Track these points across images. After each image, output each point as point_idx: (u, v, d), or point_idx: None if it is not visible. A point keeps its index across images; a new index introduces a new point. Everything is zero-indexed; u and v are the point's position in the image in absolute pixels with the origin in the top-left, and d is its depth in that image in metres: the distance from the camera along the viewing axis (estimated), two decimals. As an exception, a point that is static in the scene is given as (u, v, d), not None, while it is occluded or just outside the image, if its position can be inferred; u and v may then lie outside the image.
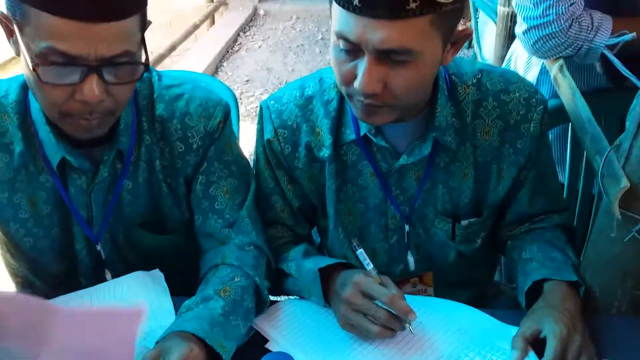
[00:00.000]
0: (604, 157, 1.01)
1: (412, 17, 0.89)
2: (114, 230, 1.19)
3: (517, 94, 1.13)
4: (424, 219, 1.22)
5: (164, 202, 1.18)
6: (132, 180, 1.14)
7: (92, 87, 0.92)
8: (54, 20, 0.86)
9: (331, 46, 1.01)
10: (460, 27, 1.01)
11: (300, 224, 1.28)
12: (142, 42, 0.98)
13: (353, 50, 0.96)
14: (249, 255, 1.14)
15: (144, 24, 0.98)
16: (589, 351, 0.98)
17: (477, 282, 1.35)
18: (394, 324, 0.99)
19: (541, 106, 1.13)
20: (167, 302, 1.12)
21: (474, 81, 1.13)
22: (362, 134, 1.13)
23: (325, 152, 1.16)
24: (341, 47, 0.96)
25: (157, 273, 1.18)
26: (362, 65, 0.95)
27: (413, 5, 0.88)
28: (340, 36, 0.95)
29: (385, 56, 0.94)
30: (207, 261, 1.15)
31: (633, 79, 1.28)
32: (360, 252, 1.09)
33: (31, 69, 0.91)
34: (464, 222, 1.21)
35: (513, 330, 1.04)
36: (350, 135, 1.15)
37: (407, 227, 1.22)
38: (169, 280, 1.17)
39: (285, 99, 1.19)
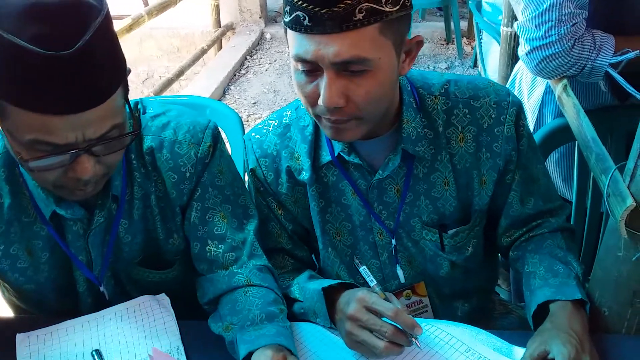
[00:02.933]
0: (609, 176, 1.01)
1: (360, 27, 0.94)
2: (116, 269, 1.18)
3: (487, 99, 1.14)
4: (411, 232, 1.22)
5: (159, 235, 1.17)
6: (128, 219, 1.13)
7: (84, 166, 0.91)
8: (36, 116, 0.84)
9: (292, 72, 1.04)
10: (411, 36, 1.06)
11: (298, 247, 1.28)
12: (126, 100, 0.96)
13: (312, 70, 0.99)
14: (269, 278, 1.15)
15: (127, 88, 0.95)
16: (598, 372, 0.97)
17: (476, 292, 1.34)
18: (401, 338, 0.98)
19: (514, 108, 1.14)
20: (173, 325, 1.12)
21: (442, 91, 1.15)
22: (336, 153, 1.15)
23: (305, 175, 1.19)
24: (300, 69, 1.00)
25: (163, 297, 1.18)
26: (323, 81, 0.98)
27: (359, 16, 0.93)
28: (298, 59, 0.99)
29: (343, 69, 0.97)
30: (219, 282, 1.13)
31: (638, 96, 1.28)
32: (364, 268, 1.11)
33: (17, 161, 0.89)
34: (451, 231, 1.21)
35: (520, 351, 1.03)
36: (326, 157, 1.17)
37: (393, 242, 1.22)
38: (174, 305, 1.17)
39: (264, 130, 1.23)
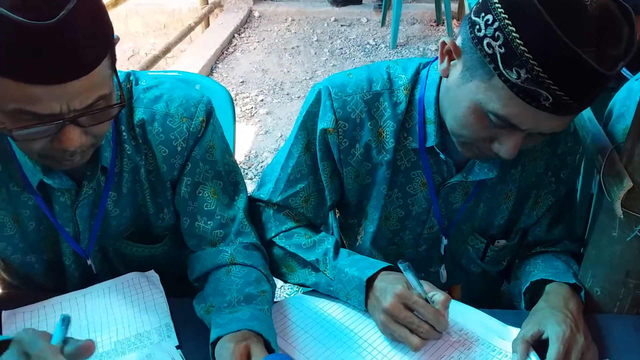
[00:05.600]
0: (606, 155, 1.00)
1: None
2: (103, 243, 1.16)
3: (568, 126, 1.12)
4: (459, 234, 1.21)
5: (148, 210, 1.14)
6: (117, 191, 1.11)
7: (70, 137, 0.88)
8: (17, 85, 0.80)
9: (467, 108, 0.96)
10: None
11: (319, 216, 1.22)
12: (113, 70, 0.92)
13: (505, 126, 0.93)
14: (256, 256, 1.12)
15: (114, 58, 0.91)
16: (592, 352, 0.98)
17: (490, 299, 1.35)
18: (435, 335, 0.98)
19: (582, 142, 1.14)
20: (163, 302, 1.10)
21: None
22: (428, 145, 1.10)
23: (386, 156, 1.13)
24: (492, 120, 0.93)
25: (152, 274, 1.16)
26: (513, 138, 0.94)
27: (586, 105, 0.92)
28: (501, 118, 0.92)
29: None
30: (205, 260, 1.12)
31: (632, 77, 1.27)
32: (410, 276, 1.01)
33: (0, 130, 0.86)
34: (498, 244, 1.21)
35: (514, 330, 1.03)
36: (412, 143, 1.12)
37: (444, 241, 1.21)
38: (163, 282, 1.15)
39: (350, 89, 1.11)
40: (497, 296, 1.38)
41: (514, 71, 0.86)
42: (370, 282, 1.05)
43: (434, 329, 0.97)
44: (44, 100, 0.82)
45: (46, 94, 0.82)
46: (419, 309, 0.97)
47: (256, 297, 1.03)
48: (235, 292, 1.03)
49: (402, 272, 1.02)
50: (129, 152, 1.08)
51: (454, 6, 5.23)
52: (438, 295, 0.99)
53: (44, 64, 0.79)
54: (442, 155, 1.10)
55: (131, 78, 1.11)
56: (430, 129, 1.09)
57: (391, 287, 1.00)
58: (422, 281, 1.01)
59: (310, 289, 1.17)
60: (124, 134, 1.07)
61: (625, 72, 1.37)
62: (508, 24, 0.84)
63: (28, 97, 0.82)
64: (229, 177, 1.17)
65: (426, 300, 0.98)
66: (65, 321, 0.88)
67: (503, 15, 0.85)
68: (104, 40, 0.87)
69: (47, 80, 0.81)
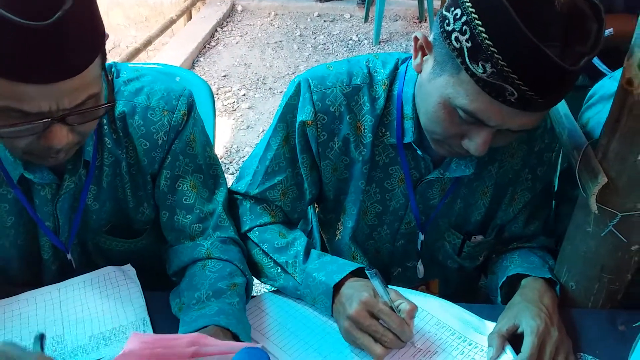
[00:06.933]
0: (581, 151, 1.01)
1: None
2: (82, 238, 1.15)
3: (545, 122, 1.13)
4: (436, 230, 1.21)
5: (128, 204, 1.13)
6: (97, 185, 1.09)
7: (57, 135, 0.87)
8: (6, 83, 0.79)
9: (437, 104, 0.96)
10: None
11: (297, 211, 1.22)
12: (103, 69, 0.91)
13: (474, 122, 0.93)
14: (233, 250, 1.12)
15: (104, 57, 0.91)
16: (566, 346, 0.99)
17: (462, 298, 1.35)
18: (399, 344, 0.97)
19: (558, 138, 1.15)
20: (139, 297, 1.09)
21: None
22: (405, 141, 1.10)
23: (363, 151, 1.13)
24: (461, 115, 0.93)
25: (129, 268, 1.15)
26: (482, 134, 0.94)
27: (560, 98, 0.93)
28: (469, 113, 0.92)
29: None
30: (182, 254, 1.12)
31: (609, 73, 1.29)
32: (377, 282, 0.99)
33: None
34: (475, 240, 1.21)
35: (490, 325, 1.04)
36: (390, 138, 1.12)
37: (421, 236, 1.21)
38: (141, 276, 1.14)
39: (329, 82, 1.11)
40: (475, 291, 1.39)
41: (480, 65, 0.86)
42: (337, 288, 1.04)
43: (398, 338, 0.96)
44: (33, 99, 0.82)
45: (37, 93, 0.81)
46: (384, 317, 0.96)
47: (226, 291, 1.03)
48: (207, 287, 1.03)
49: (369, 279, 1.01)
50: (109, 146, 1.07)
51: (437, 3, 5.24)
52: (404, 304, 0.98)
53: (38, 63, 0.79)
54: (419, 152, 1.10)
55: (112, 70, 1.09)
56: (408, 124, 1.09)
57: (357, 294, 0.99)
58: (389, 289, 1.00)
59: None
60: (105, 127, 1.06)
61: (603, 68, 1.39)
62: (475, 18, 0.85)
63: (18, 95, 0.81)
64: (209, 170, 1.16)
65: (392, 308, 0.97)
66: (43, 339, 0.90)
67: (470, 9, 0.85)
68: (96, 40, 0.87)
69: (39, 79, 0.80)
